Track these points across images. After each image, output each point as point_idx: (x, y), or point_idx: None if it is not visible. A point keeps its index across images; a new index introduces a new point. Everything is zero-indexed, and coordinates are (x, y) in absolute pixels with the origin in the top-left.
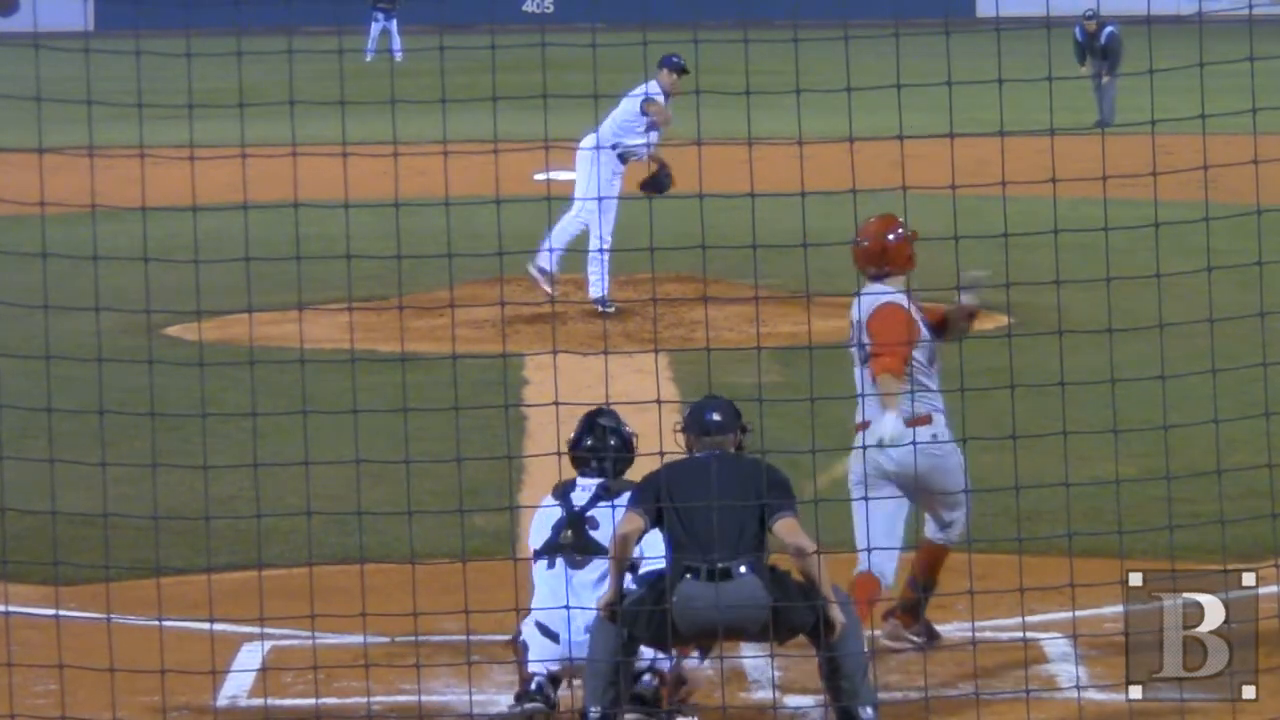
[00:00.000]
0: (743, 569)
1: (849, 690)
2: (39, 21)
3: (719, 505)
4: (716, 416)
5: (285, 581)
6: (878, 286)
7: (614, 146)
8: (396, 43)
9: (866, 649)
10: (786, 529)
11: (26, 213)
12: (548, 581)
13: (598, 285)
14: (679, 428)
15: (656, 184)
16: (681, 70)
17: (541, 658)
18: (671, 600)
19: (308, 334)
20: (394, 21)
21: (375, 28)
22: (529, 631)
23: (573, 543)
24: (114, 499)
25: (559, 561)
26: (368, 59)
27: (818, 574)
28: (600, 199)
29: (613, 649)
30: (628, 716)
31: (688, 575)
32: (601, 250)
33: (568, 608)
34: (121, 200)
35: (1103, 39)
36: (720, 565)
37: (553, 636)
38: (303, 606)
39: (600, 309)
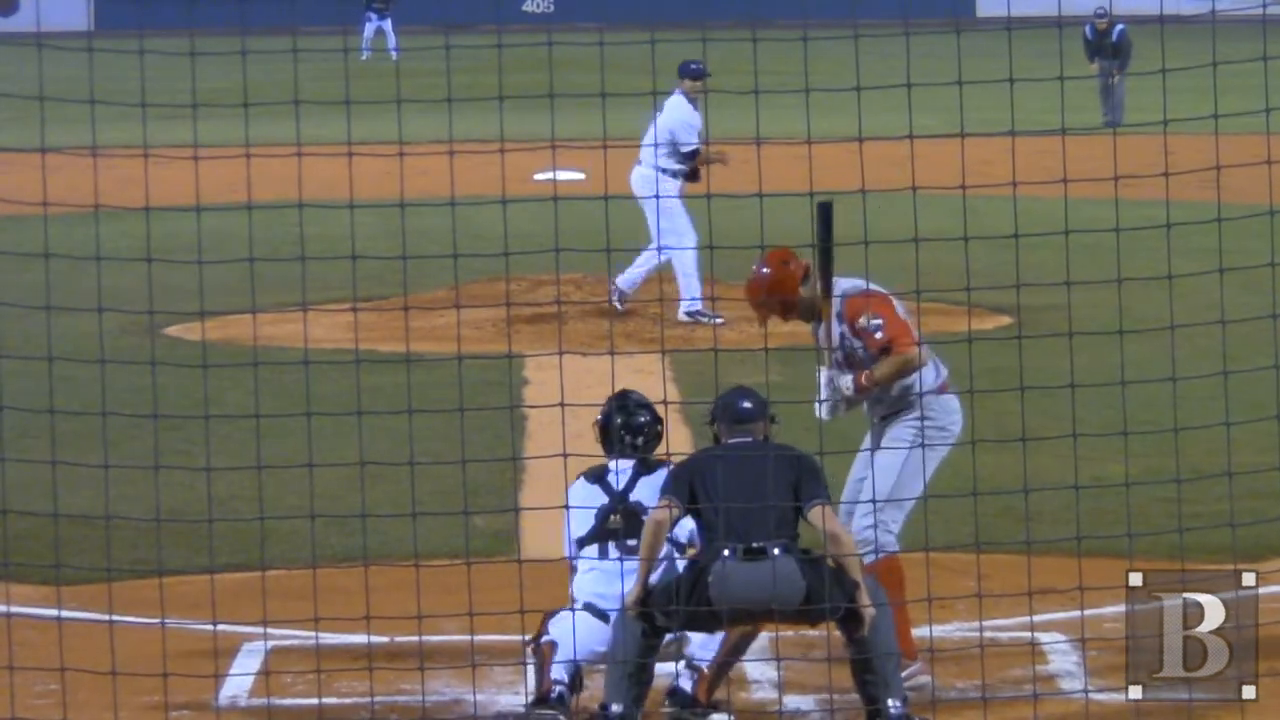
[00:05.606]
0: (777, 550)
1: (877, 683)
2: (40, 21)
3: (754, 490)
4: (747, 404)
5: (287, 582)
6: (843, 283)
7: (663, 169)
8: (393, 41)
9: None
10: (820, 516)
11: (28, 213)
12: (599, 567)
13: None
14: (708, 420)
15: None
16: (700, 75)
17: (590, 641)
18: (709, 580)
19: (311, 334)
20: (388, 21)
21: (369, 28)
22: (566, 624)
23: (623, 528)
24: (116, 500)
25: (610, 548)
26: (363, 58)
27: (851, 562)
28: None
29: (637, 645)
30: (664, 711)
31: (724, 556)
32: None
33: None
34: (124, 200)
35: (1114, 36)
36: (755, 545)
37: (605, 618)
38: (305, 607)
39: (700, 318)
